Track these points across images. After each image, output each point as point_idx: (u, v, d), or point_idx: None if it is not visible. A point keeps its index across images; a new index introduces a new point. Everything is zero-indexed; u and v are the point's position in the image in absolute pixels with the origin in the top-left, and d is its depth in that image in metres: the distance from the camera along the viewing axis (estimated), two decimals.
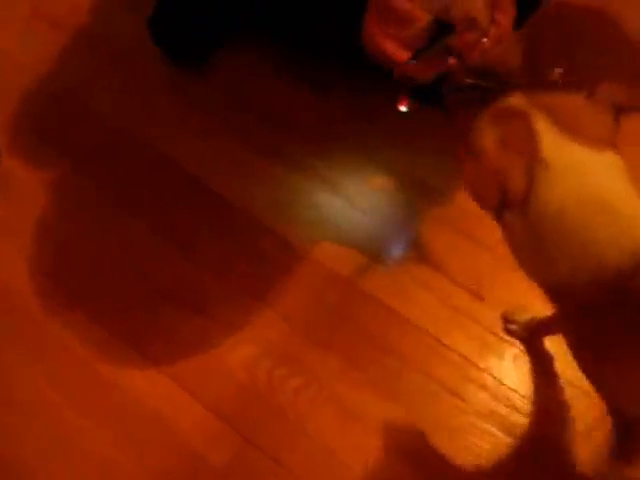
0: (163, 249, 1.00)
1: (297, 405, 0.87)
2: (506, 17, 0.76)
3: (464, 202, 0.77)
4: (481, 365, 0.89)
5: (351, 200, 1.03)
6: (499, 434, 0.84)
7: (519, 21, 0.79)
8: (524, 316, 0.88)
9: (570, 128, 0.63)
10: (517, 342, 0.90)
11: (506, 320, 0.89)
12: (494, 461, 0.83)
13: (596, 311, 0.61)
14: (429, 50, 0.74)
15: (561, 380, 0.87)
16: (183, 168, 1.06)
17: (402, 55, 0.74)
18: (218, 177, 1.05)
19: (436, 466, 0.83)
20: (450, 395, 0.86)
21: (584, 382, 0.68)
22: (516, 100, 0.66)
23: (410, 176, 1.03)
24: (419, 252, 0.97)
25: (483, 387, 0.87)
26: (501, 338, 0.91)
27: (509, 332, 0.89)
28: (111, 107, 1.13)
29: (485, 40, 0.74)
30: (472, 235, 0.97)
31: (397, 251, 1.00)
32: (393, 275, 0.96)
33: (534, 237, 0.62)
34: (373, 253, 0.98)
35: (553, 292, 0.65)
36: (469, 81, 0.72)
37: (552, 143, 0.63)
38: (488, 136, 0.66)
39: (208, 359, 0.91)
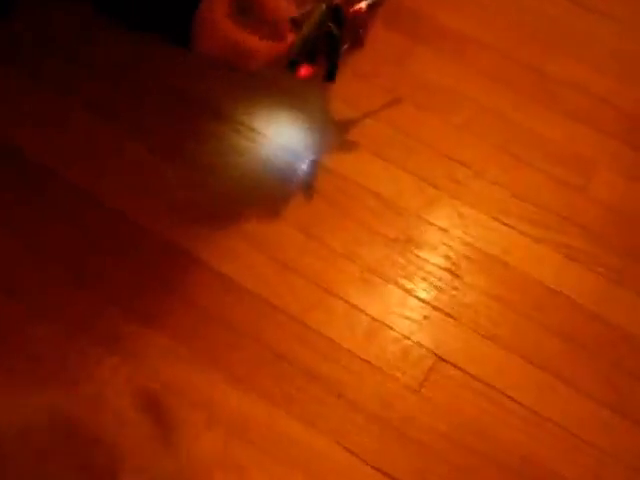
0: None
1: (116, 389, 0.78)
2: None
3: None
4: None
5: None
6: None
7: None
8: None
9: None
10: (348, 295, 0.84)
11: None
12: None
13: None
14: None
15: None
16: None
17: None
18: (37, 139, 0.91)
19: (268, 439, 0.76)
20: (277, 358, 0.80)
21: None
22: None
23: None
24: None
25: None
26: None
27: None
28: None
29: None
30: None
31: None
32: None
33: None
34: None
35: None
36: None
37: None
38: None
39: (10, 345, 0.80)
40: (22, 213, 0.88)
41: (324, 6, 0.77)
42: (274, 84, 0.96)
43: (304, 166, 0.92)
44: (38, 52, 0.98)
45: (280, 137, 0.94)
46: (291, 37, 0.75)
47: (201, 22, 0.70)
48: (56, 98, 0.95)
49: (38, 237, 0.86)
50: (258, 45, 0.72)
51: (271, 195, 0.90)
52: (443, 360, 0.80)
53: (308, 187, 0.90)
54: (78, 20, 0.99)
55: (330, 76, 0.83)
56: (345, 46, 0.84)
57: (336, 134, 0.94)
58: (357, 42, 0.88)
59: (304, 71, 0.78)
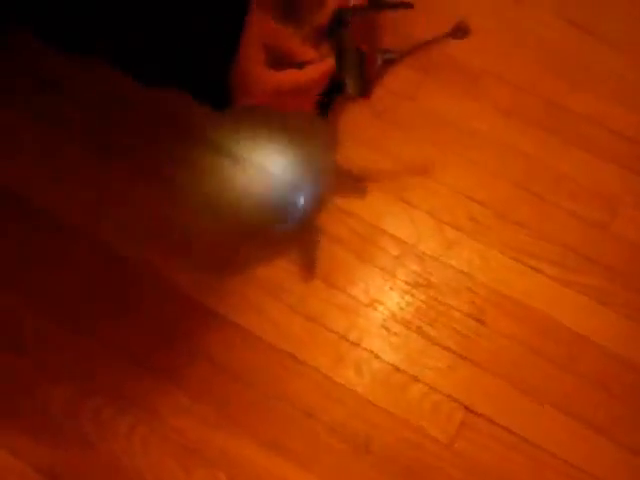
0: None
1: (131, 449, 0.76)
2: None
3: None
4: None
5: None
6: None
7: None
8: None
9: None
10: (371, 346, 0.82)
11: None
12: None
13: None
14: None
15: None
16: None
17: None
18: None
19: None
20: (304, 415, 0.78)
21: None
22: None
23: None
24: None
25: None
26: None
27: None
28: None
29: None
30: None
31: None
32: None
33: None
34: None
35: None
36: None
37: None
38: None
39: (22, 406, 0.78)
40: (19, 259, 0.85)
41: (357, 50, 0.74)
42: (284, 122, 0.93)
43: (318, 208, 0.89)
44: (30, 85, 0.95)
45: (292, 178, 0.91)
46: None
47: (241, 80, 0.64)
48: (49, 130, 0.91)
49: (39, 285, 0.83)
50: (304, 76, 0.68)
51: (287, 240, 0.87)
52: (472, 412, 0.78)
53: (324, 231, 0.87)
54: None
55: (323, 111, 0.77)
56: (351, 93, 0.80)
57: (350, 174, 0.91)
58: (365, 92, 0.83)
59: None
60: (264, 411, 0.78)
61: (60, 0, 0.61)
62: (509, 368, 0.81)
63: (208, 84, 0.65)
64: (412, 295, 0.84)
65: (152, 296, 0.83)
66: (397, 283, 0.85)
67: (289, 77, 0.68)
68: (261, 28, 0.65)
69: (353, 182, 0.90)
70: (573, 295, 0.84)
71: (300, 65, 0.71)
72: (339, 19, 0.76)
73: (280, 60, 0.68)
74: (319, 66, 0.70)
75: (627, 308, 0.83)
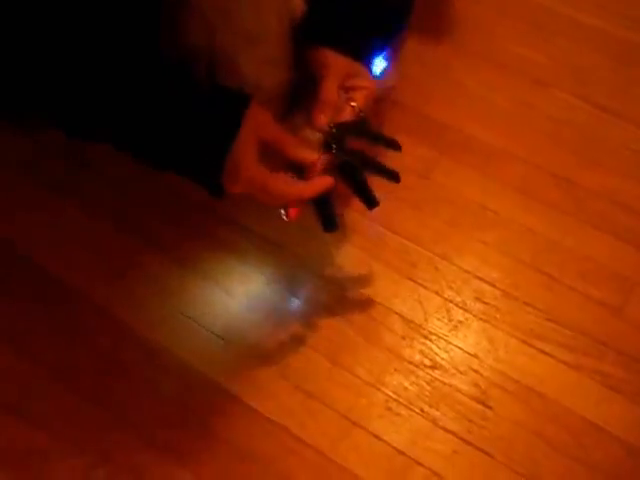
0: None
1: None
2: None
3: None
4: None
5: None
6: None
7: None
8: None
9: None
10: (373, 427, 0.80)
11: None
12: None
13: None
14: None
15: None
16: None
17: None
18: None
19: None
20: None
21: None
22: None
23: None
24: None
25: None
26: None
27: None
28: None
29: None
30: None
31: None
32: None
33: None
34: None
35: None
36: None
37: None
38: None
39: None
40: (40, 331, 0.87)
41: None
42: None
43: (326, 287, 0.90)
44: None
45: (301, 254, 0.92)
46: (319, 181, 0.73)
47: (232, 169, 0.67)
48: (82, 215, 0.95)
49: (62, 363, 0.85)
50: (289, 190, 0.71)
51: (294, 319, 0.88)
52: None
53: (332, 310, 0.88)
54: None
55: (329, 225, 0.75)
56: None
57: (359, 251, 0.92)
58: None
59: (293, 212, 0.73)
60: None
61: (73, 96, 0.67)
62: (516, 456, 0.77)
63: (204, 173, 0.69)
64: (417, 376, 0.83)
65: (158, 369, 0.85)
66: (402, 363, 0.84)
67: (278, 184, 0.70)
68: (258, 122, 0.68)
69: (362, 259, 0.92)
70: (584, 381, 0.80)
71: (298, 170, 0.73)
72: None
73: (274, 155, 0.71)
74: (312, 186, 0.71)
75: None
